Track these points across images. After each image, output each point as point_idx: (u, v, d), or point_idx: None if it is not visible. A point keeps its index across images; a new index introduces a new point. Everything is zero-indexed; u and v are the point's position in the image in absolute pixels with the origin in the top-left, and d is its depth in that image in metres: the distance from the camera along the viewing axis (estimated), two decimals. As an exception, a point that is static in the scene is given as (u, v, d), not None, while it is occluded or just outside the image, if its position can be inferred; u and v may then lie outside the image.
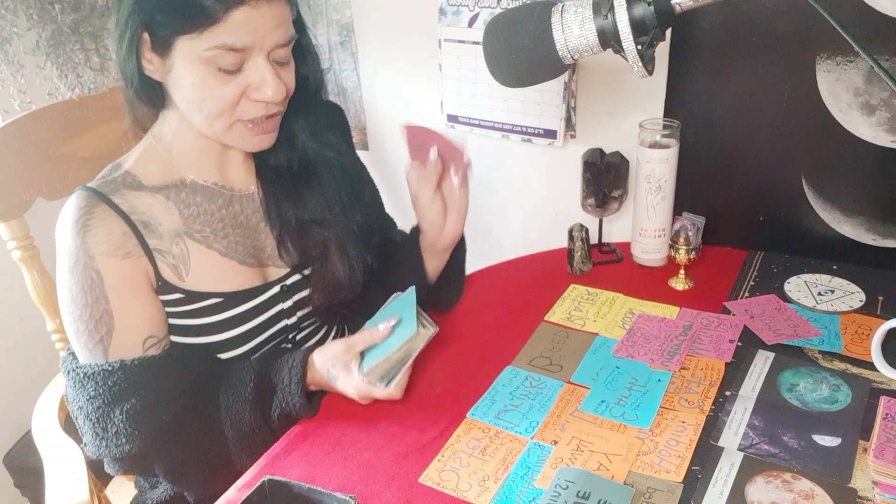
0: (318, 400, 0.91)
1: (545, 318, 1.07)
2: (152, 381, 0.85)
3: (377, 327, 0.88)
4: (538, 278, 1.20)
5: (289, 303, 0.98)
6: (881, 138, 1.07)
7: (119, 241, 0.85)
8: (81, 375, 0.85)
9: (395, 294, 0.95)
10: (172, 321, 0.90)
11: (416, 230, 1.04)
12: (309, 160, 0.99)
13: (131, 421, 0.84)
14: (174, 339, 0.91)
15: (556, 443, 0.83)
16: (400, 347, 0.86)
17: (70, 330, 0.87)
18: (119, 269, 0.85)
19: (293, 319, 0.99)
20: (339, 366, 0.87)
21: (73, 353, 0.89)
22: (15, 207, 1.10)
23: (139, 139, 0.94)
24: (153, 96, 0.88)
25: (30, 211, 1.12)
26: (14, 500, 1.62)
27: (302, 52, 0.91)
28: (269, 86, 0.83)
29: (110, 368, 0.84)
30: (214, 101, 0.83)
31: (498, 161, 1.47)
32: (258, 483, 0.72)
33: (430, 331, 0.88)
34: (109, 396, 0.84)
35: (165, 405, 0.86)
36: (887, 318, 0.90)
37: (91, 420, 0.85)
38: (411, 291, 0.92)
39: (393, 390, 0.86)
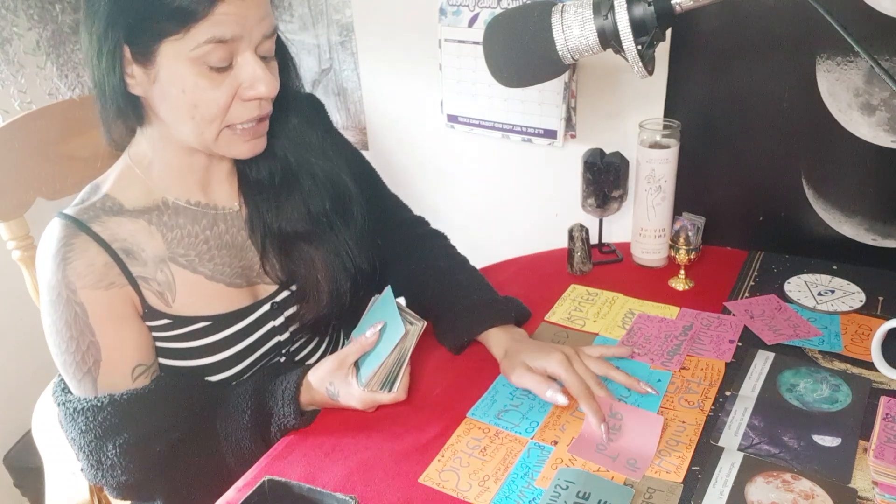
0: (312, 414, 0.89)
1: (545, 318, 1.07)
2: (143, 414, 0.84)
3: (364, 335, 0.87)
4: (538, 278, 1.20)
5: (280, 319, 0.96)
6: (881, 138, 1.07)
7: (101, 273, 0.82)
8: (72, 409, 0.84)
9: (373, 299, 0.94)
10: (161, 345, 0.88)
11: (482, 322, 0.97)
12: (291, 171, 0.96)
13: (125, 455, 0.83)
14: (165, 362, 0.89)
15: (556, 443, 0.83)
16: (392, 350, 0.85)
17: (58, 362, 0.85)
18: (103, 301, 0.82)
19: (286, 335, 0.98)
20: (336, 382, 0.86)
21: (63, 383, 0.88)
22: (15, 207, 1.10)
23: (115, 158, 0.91)
24: (134, 113, 0.84)
25: (30, 211, 1.11)
26: (14, 500, 1.63)
27: (280, 58, 0.89)
28: (261, 81, 0.80)
29: (99, 404, 0.82)
30: (207, 106, 0.80)
31: (498, 161, 1.47)
32: (258, 483, 0.72)
33: (417, 326, 0.87)
34: (101, 431, 0.82)
35: (159, 436, 0.84)
36: (887, 318, 0.90)
37: (85, 452, 0.84)
38: (388, 292, 0.91)
39: (398, 393, 0.87)
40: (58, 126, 1.14)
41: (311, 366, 0.90)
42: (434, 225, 1.19)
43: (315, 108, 1.04)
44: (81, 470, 0.87)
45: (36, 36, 1.40)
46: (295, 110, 0.95)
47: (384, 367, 0.86)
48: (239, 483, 0.81)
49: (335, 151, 1.02)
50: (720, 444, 0.80)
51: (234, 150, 0.86)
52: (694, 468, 0.77)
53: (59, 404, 0.86)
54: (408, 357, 0.87)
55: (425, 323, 0.88)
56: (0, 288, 1.54)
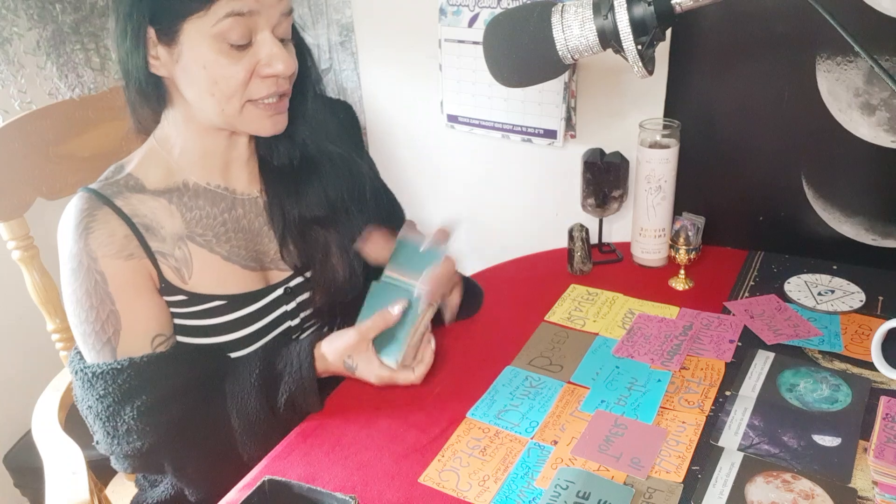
0: (324, 393, 0.91)
1: (545, 318, 1.07)
2: (161, 378, 0.85)
3: (388, 310, 0.88)
4: (538, 278, 1.20)
5: (292, 305, 0.98)
6: (881, 138, 1.07)
7: (121, 244, 0.85)
8: (90, 375, 0.85)
9: (372, 283, 0.95)
10: (178, 322, 0.90)
11: None
12: (311, 156, 0.98)
13: (142, 418, 0.84)
14: (181, 339, 0.91)
15: (556, 443, 0.83)
16: (413, 326, 0.88)
17: (77, 332, 0.87)
18: (123, 271, 0.85)
19: (296, 321, 0.99)
20: (356, 356, 0.88)
21: (79, 353, 0.89)
22: (15, 207, 1.10)
23: (142, 141, 0.93)
24: (157, 94, 0.87)
25: (30, 211, 1.11)
26: (14, 500, 1.62)
27: (297, 46, 0.91)
28: (278, 58, 0.83)
29: (119, 367, 0.84)
30: (226, 81, 0.82)
31: (498, 161, 1.47)
32: (258, 483, 0.72)
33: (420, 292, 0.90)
34: (119, 395, 0.84)
35: (175, 401, 0.86)
36: (887, 318, 0.90)
37: (101, 419, 0.85)
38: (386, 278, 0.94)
39: (416, 376, 0.90)
40: (58, 126, 1.14)
41: (323, 335, 0.91)
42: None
43: (344, 109, 1.08)
44: (96, 443, 0.89)
45: (36, 36, 1.39)
46: (316, 100, 0.98)
47: (412, 346, 0.89)
48: (239, 483, 0.81)
49: (358, 150, 1.06)
50: (720, 444, 0.80)
51: (258, 126, 0.88)
52: (694, 468, 0.77)
53: (75, 372, 0.87)
54: (423, 329, 0.90)
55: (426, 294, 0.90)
56: (0, 288, 1.53)
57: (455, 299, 1.01)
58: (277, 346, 0.93)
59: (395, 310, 0.88)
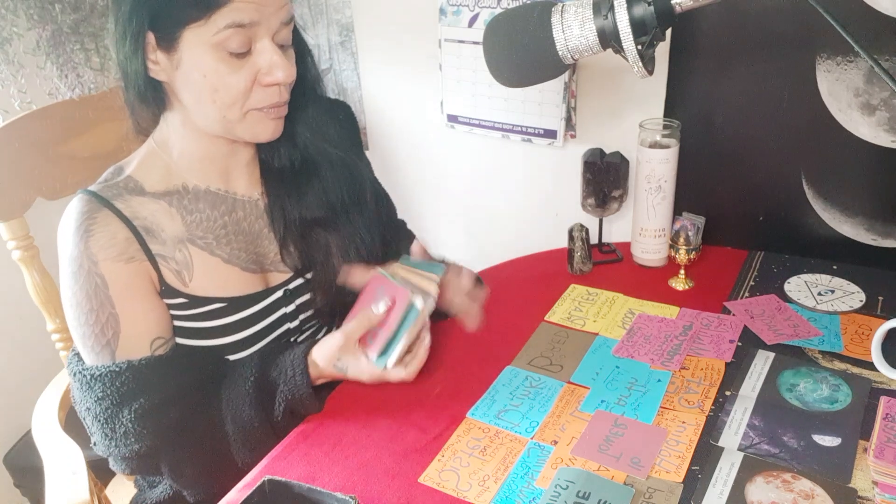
0: (323, 395, 0.91)
1: (545, 318, 1.07)
2: (160, 381, 0.85)
3: (371, 310, 0.88)
4: (538, 278, 1.20)
5: (291, 307, 0.98)
6: (881, 138, 1.07)
7: (122, 247, 0.85)
8: (88, 377, 0.85)
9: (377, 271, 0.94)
10: (177, 324, 0.90)
11: None
12: (311, 157, 0.99)
13: (140, 421, 0.84)
14: (180, 341, 0.91)
15: (556, 443, 0.83)
16: (405, 326, 0.87)
17: (76, 334, 0.87)
18: (123, 274, 0.84)
19: (296, 322, 0.99)
20: (345, 358, 0.88)
21: (78, 354, 0.89)
22: (15, 207, 1.10)
23: (141, 141, 0.93)
24: (156, 98, 0.87)
25: (30, 211, 1.11)
26: (14, 500, 1.62)
27: (298, 48, 0.92)
28: (279, 67, 0.83)
29: (118, 369, 0.84)
30: (228, 90, 0.83)
31: (498, 161, 1.47)
32: (258, 483, 0.72)
33: (428, 301, 0.89)
34: (118, 397, 0.84)
35: (172, 404, 0.86)
36: (887, 318, 0.90)
37: (99, 421, 0.85)
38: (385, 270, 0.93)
39: (407, 373, 0.88)
40: (58, 126, 1.14)
41: (315, 342, 0.91)
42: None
43: (342, 109, 1.09)
44: (94, 444, 0.89)
45: (36, 36, 1.39)
46: (315, 101, 0.98)
47: (402, 345, 0.88)
48: (240, 483, 0.81)
49: (356, 150, 1.07)
50: (720, 444, 0.80)
51: (259, 131, 0.89)
52: (694, 468, 0.77)
53: (74, 374, 0.87)
54: (418, 332, 0.89)
55: (433, 296, 0.89)
56: (0, 288, 1.54)
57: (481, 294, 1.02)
58: (273, 352, 0.93)
59: (379, 308, 0.88)
